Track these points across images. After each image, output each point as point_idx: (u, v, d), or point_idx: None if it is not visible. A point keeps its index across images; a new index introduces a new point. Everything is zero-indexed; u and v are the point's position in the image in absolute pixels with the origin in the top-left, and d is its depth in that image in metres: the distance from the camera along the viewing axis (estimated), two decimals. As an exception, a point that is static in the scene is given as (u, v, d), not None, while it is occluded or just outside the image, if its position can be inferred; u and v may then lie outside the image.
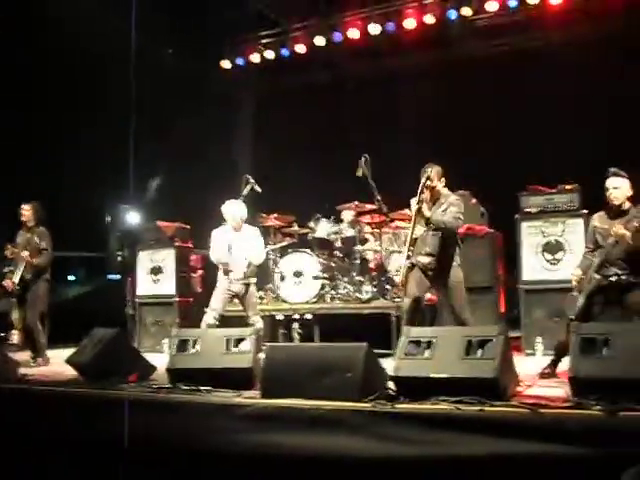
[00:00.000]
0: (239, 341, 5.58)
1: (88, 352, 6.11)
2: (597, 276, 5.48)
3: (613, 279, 5.44)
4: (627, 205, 5.53)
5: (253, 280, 7.12)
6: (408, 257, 5.98)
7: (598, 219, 5.73)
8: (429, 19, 10.32)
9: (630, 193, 5.55)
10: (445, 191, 6.15)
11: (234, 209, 7.15)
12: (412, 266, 6.04)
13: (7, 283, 7.86)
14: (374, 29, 10.60)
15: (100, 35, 9.85)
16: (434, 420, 4.30)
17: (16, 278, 7.77)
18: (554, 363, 5.62)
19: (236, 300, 7.11)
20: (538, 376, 5.57)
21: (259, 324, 6.94)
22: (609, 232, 5.46)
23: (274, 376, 4.97)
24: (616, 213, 5.55)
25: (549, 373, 5.59)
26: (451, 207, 5.99)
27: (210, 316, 6.89)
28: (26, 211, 8.03)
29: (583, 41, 9.57)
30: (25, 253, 7.74)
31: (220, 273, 7.09)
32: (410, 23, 10.44)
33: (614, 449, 3.88)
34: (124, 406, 5.23)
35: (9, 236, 8.22)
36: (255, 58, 11.69)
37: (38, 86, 10.09)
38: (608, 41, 9.30)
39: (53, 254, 8.03)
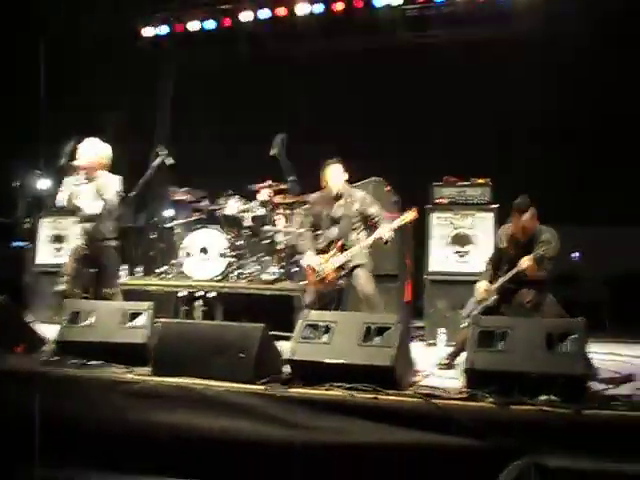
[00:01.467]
0: (135, 315, 5.40)
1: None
2: (494, 297, 5.57)
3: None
4: (535, 227, 5.58)
5: (111, 243, 6.46)
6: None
7: (505, 236, 5.75)
8: (357, 3, 10.24)
9: (535, 222, 5.56)
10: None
11: (83, 148, 6.39)
12: None
13: None
14: (302, 9, 10.45)
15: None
16: (327, 405, 4.26)
17: None
18: (454, 355, 5.62)
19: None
20: (436, 367, 5.56)
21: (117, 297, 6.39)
22: (513, 255, 5.53)
23: (167, 353, 4.82)
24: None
25: (448, 364, 5.59)
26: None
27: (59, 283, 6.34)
28: None
29: (505, 38, 9.68)
30: None
31: None
32: (338, 6, 10.34)
33: (504, 441, 3.90)
34: (7, 378, 5.01)
35: None
36: (178, 28, 11.35)
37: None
38: (523, 40, 9.43)
39: None
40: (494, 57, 9.58)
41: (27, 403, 4.72)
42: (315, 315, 4.81)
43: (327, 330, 4.64)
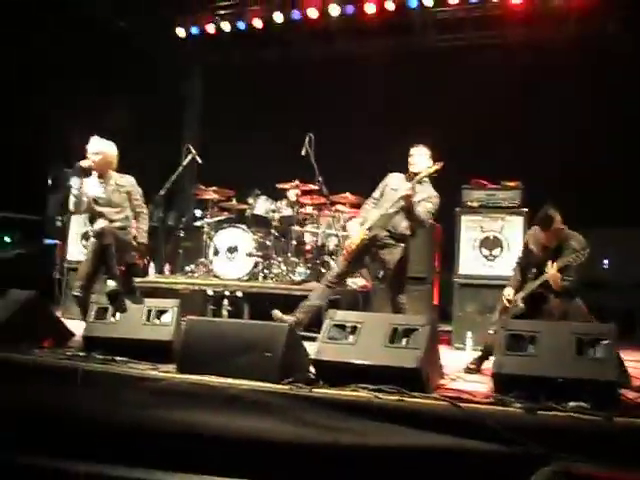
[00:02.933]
0: (161, 312, 5.39)
1: (1, 314, 5.83)
2: (522, 305, 5.51)
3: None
4: (563, 234, 5.52)
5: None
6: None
7: (533, 240, 5.70)
8: (389, 5, 10.21)
9: (561, 228, 5.51)
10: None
11: (90, 147, 6.18)
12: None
13: None
14: (334, 10, 10.45)
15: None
16: (352, 407, 4.19)
17: None
18: (481, 359, 5.55)
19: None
20: (463, 370, 5.48)
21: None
22: (542, 259, 5.50)
23: (192, 351, 4.79)
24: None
25: (474, 368, 5.51)
26: (428, 201, 6.02)
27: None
28: None
29: (541, 42, 9.60)
30: None
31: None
32: (370, 8, 10.32)
33: (531, 447, 3.82)
34: (33, 371, 5.02)
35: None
36: (210, 29, 11.42)
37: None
38: (565, 43, 9.33)
39: None
40: (525, 59, 9.53)
41: (51, 397, 4.73)
42: (342, 315, 4.76)
43: (353, 330, 4.59)
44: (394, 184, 6.18)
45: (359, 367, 4.41)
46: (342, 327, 4.65)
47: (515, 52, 9.73)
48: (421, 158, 6.15)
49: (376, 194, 6.29)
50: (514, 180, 7.37)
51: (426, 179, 6.11)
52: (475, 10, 10.21)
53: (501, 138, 9.28)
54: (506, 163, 8.43)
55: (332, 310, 4.87)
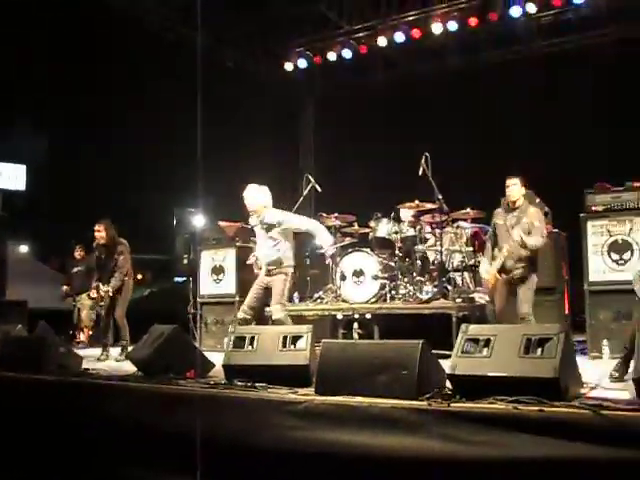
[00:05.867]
0: (296, 338, 5.56)
1: (147, 348, 6.18)
2: None
3: None
4: None
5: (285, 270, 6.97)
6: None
7: None
8: (492, 16, 10.19)
9: None
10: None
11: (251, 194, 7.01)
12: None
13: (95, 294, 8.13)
14: (436, 28, 10.51)
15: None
16: (491, 420, 4.19)
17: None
18: (622, 366, 5.40)
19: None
20: (608, 379, 5.34)
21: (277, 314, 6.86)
22: None
23: (329, 373, 4.91)
24: None
25: (617, 377, 5.37)
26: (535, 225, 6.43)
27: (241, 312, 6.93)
28: (98, 232, 8.24)
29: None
30: (105, 288, 8.01)
31: None
32: (472, 21, 10.33)
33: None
34: (180, 401, 5.28)
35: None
36: (316, 60, 11.72)
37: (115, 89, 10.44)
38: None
39: (128, 269, 8.29)
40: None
41: (196, 424, 4.95)
42: (474, 329, 4.78)
43: (487, 343, 4.60)
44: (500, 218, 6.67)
45: (495, 379, 4.41)
46: (475, 341, 4.67)
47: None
48: (515, 187, 6.56)
49: (490, 233, 6.84)
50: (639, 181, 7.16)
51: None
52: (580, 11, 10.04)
53: (618, 141, 9.05)
54: (626, 166, 8.19)
55: (464, 325, 4.89)
